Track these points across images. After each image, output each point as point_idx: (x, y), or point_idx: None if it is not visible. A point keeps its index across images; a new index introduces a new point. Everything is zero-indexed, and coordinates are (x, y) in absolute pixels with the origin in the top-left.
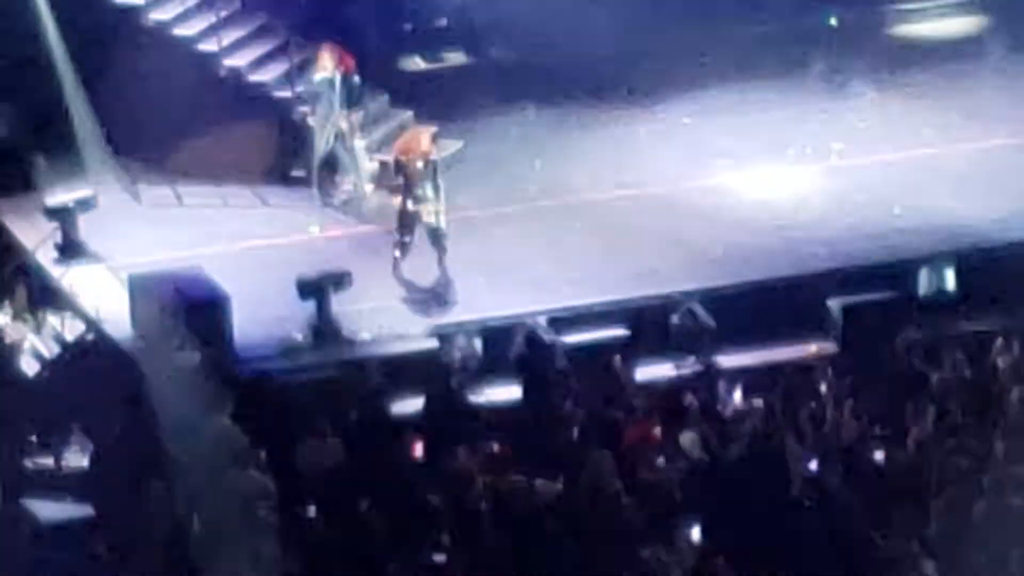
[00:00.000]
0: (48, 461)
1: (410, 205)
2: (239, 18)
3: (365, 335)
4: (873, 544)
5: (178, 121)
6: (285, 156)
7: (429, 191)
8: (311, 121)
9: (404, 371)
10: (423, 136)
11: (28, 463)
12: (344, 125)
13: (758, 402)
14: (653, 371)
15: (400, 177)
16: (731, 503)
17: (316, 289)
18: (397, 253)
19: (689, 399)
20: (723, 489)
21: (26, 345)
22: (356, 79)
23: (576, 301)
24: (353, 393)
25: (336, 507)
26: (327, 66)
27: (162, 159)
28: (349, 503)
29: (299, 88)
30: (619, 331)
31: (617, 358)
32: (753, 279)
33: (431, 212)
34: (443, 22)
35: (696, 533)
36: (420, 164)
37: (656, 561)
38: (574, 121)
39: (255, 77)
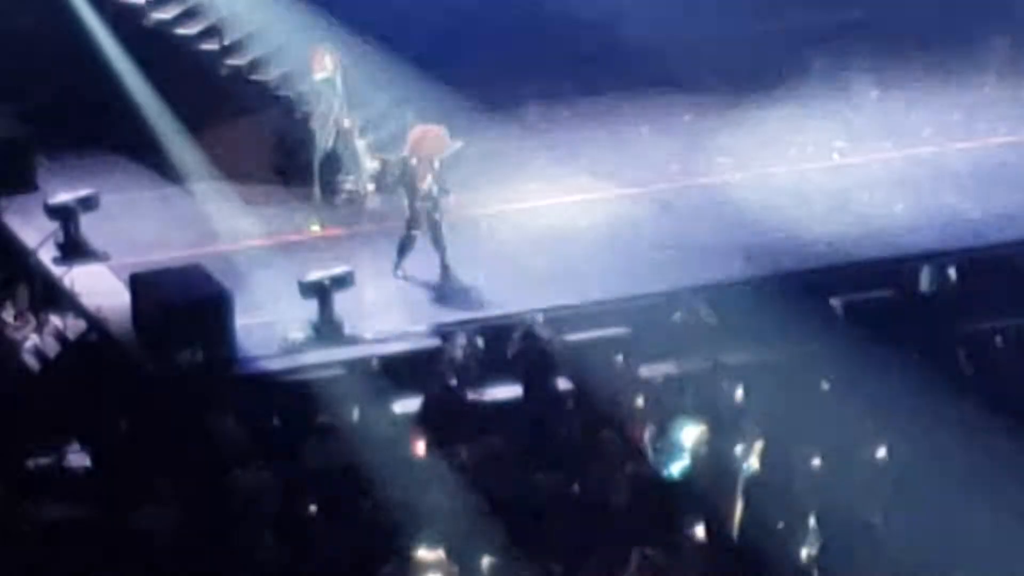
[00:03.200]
0: (49, 461)
1: (412, 204)
2: None
3: (366, 334)
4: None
5: (179, 119)
6: (286, 155)
7: (432, 190)
8: (312, 120)
9: (405, 369)
10: (430, 135)
11: (30, 463)
12: (345, 124)
13: (758, 399)
14: (655, 368)
15: (403, 176)
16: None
17: (317, 288)
18: (398, 252)
19: (690, 396)
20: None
21: (28, 344)
22: (356, 79)
23: (578, 299)
24: (354, 392)
25: (338, 505)
26: (327, 66)
27: (163, 158)
28: (351, 502)
29: (300, 88)
30: (621, 329)
31: (619, 356)
32: (755, 276)
33: (433, 210)
34: (446, 20)
35: (699, 532)
36: (425, 163)
37: (657, 560)
38: (575, 119)
39: (256, 76)
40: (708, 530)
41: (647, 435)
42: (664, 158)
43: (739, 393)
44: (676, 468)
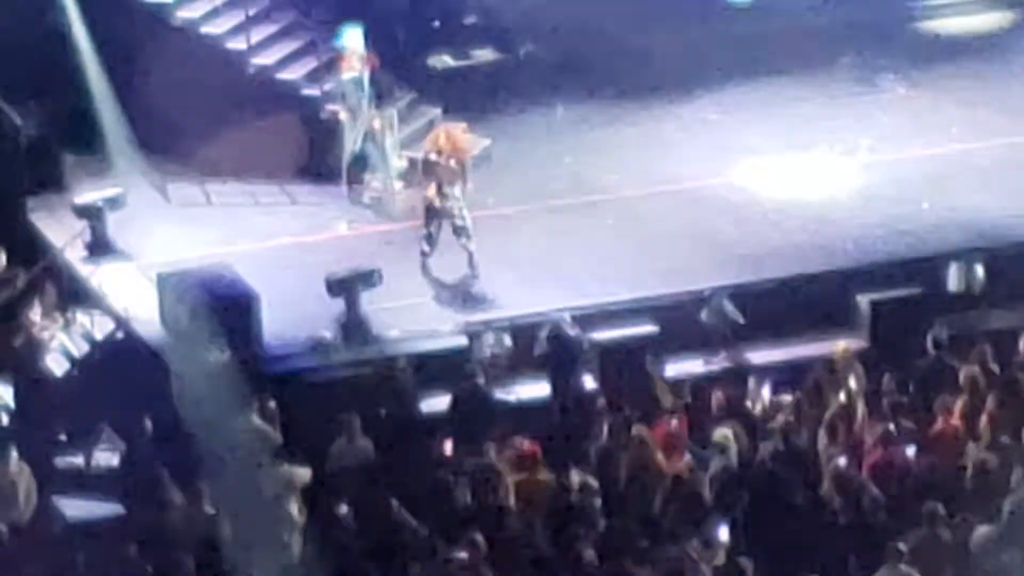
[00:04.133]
0: (78, 460)
1: (439, 202)
2: (267, 16)
3: (394, 332)
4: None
5: (207, 119)
6: (314, 154)
7: (458, 189)
8: (340, 119)
9: (432, 368)
10: (457, 134)
11: (58, 461)
12: (373, 123)
13: (787, 398)
14: (682, 367)
15: (430, 174)
16: (761, 500)
17: (345, 287)
18: (426, 250)
19: (718, 395)
20: (753, 486)
21: (55, 343)
22: (384, 77)
23: (605, 298)
24: (382, 391)
25: (366, 504)
26: (355, 64)
27: (191, 157)
28: (379, 500)
29: (327, 86)
30: (648, 328)
31: (647, 355)
32: (782, 275)
33: (460, 209)
34: (472, 19)
35: (725, 531)
36: (452, 162)
37: (686, 558)
38: (602, 118)
39: (283, 75)
40: (735, 530)
41: (677, 433)
42: (691, 156)
43: (766, 391)
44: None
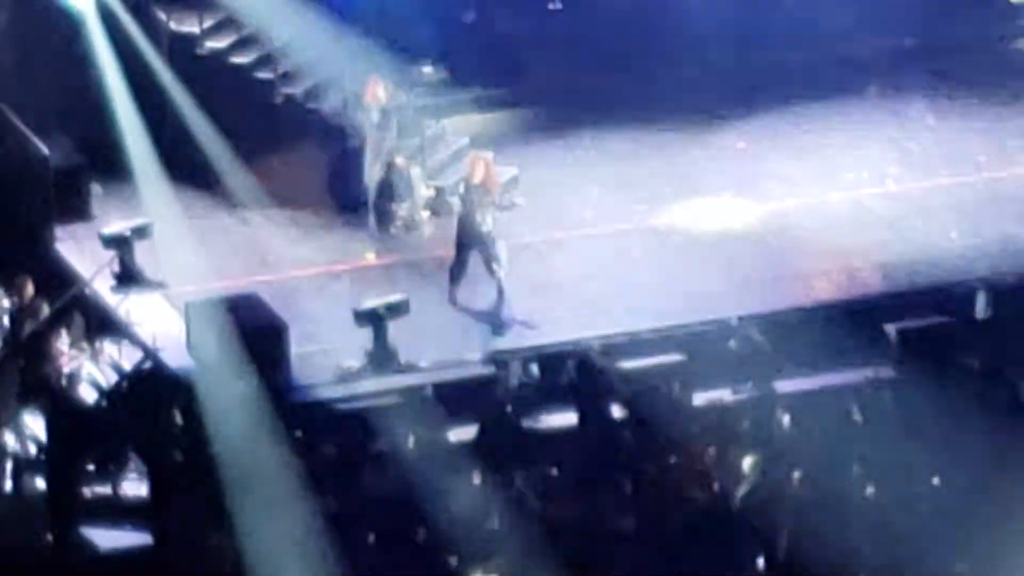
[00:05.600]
0: (106, 489)
1: (466, 231)
2: None
3: (421, 362)
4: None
5: (234, 148)
6: (341, 183)
7: (490, 218)
8: (366, 149)
9: (460, 397)
10: (485, 164)
11: (86, 491)
12: (399, 155)
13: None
14: (710, 396)
15: (467, 203)
16: (789, 528)
17: (372, 316)
18: (452, 279)
19: (746, 424)
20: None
21: (84, 373)
22: (410, 107)
23: (632, 326)
24: (409, 420)
25: (394, 533)
26: (380, 95)
27: (218, 187)
28: (407, 530)
29: (355, 116)
30: (676, 356)
31: (675, 383)
32: (810, 304)
33: (487, 238)
34: (498, 49)
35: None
36: (480, 190)
37: None
38: (629, 147)
39: (311, 104)
40: (768, 561)
41: (707, 462)
42: (719, 185)
43: (792, 421)
44: (736, 496)
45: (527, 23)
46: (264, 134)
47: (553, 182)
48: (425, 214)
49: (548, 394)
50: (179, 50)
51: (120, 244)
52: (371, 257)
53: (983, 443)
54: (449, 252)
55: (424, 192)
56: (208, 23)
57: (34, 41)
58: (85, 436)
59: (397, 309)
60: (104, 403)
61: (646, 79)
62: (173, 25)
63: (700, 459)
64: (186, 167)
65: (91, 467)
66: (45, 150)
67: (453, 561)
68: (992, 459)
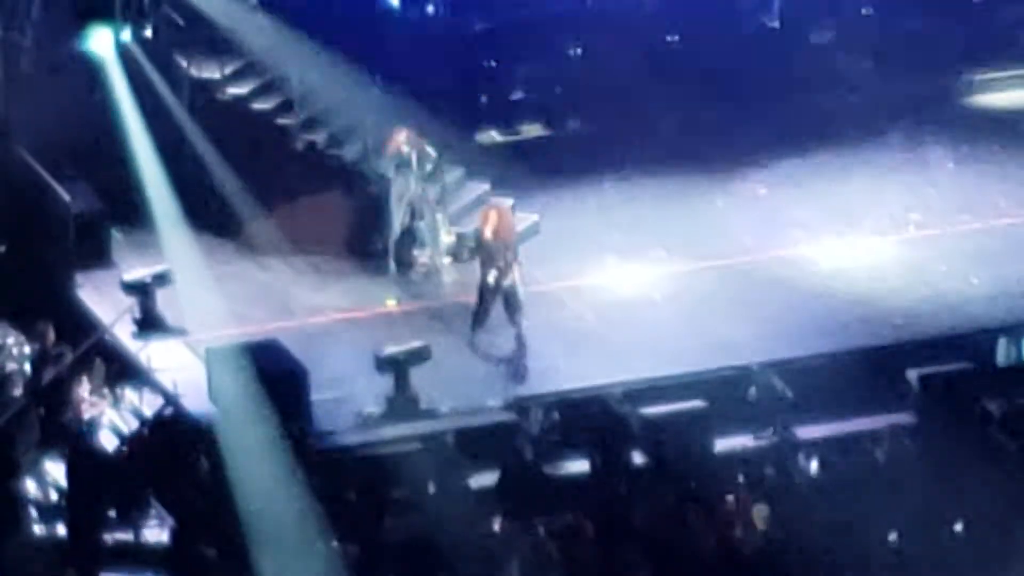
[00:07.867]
0: (127, 536)
1: (488, 279)
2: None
3: (442, 408)
4: None
5: (255, 195)
6: (362, 230)
7: (507, 263)
8: (388, 196)
9: (481, 443)
10: (499, 214)
11: (107, 538)
12: (421, 200)
13: (837, 473)
14: (732, 443)
15: (479, 249)
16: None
17: (394, 363)
18: (473, 325)
19: (767, 470)
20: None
21: (105, 420)
22: (432, 154)
23: (654, 373)
24: (430, 466)
25: None
26: (403, 143)
27: (239, 233)
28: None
29: (376, 163)
30: (697, 402)
31: (696, 430)
32: (830, 350)
33: (508, 284)
34: (518, 95)
35: None
36: (500, 237)
37: None
38: (650, 193)
39: (332, 151)
40: None
41: (728, 509)
42: (738, 231)
43: (815, 467)
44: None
45: (547, 68)
46: (285, 180)
47: (573, 228)
48: (446, 260)
49: (569, 440)
50: (200, 96)
51: (141, 291)
52: (392, 304)
53: (1005, 489)
54: (470, 298)
55: (446, 238)
56: (229, 69)
57: (55, 87)
58: (106, 483)
59: (418, 356)
60: (125, 449)
61: (667, 124)
62: (194, 71)
63: (720, 506)
64: (207, 214)
65: (112, 514)
66: (66, 196)
67: None
68: (1015, 505)
